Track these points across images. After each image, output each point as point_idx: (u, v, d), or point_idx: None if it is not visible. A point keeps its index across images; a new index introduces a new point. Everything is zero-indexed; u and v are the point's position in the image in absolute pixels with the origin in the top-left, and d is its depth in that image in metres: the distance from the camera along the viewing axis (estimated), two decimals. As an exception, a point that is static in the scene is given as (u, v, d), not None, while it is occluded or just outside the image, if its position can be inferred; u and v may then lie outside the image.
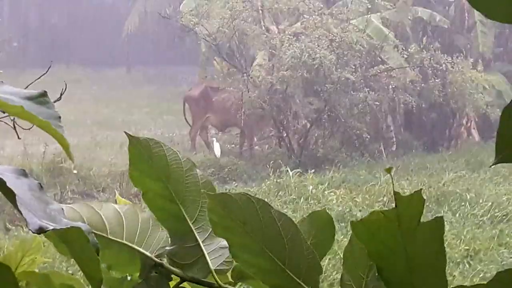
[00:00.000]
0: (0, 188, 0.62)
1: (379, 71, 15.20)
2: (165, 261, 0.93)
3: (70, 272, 7.39)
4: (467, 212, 10.40)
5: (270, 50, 15.22)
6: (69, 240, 0.68)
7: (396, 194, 0.79)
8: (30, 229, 0.63)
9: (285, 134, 15.22)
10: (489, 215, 10.37)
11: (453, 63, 15.39)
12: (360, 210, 10.40)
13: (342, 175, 12.93)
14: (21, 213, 0.62)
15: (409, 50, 15.54)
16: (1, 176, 0.61)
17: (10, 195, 0.62)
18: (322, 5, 15.87)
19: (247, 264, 0.85)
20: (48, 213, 0.64)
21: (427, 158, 15.15)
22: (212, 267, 0.91)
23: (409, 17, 16.98)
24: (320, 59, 14.09)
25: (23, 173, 0.69)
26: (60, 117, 0.64)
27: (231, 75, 15.96)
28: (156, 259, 0.93)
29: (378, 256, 0.80)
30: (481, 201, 10.93)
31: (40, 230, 0.62)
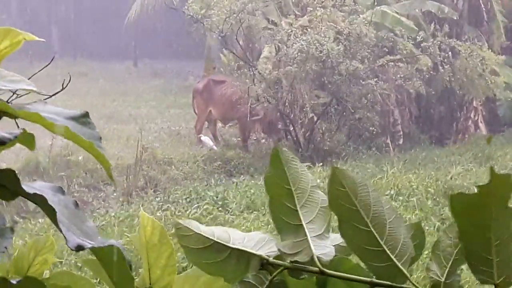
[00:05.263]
0: (41, 205, 0.63)
1: (386, 61, 15.16)
2: (271, 258, 1.05)
3: (79, 265, 7.43)
4: (475, 206, 10.37)
5: (277, 44, 15.19)
6: (105, 257, 0.69)
7: (491, 169, 0.84)
8: (69, 246, 0.64)
9: (291, 128, 15.21)
10: (496, 209, 10.34)
11: (462, 46, 15.35)
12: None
13: (349, 169, 12.92)
14: (61, 231, 0.63)
15: (417, 38, 15.51)
16: (43, 194, 0.61)
17: (51, 213, 0.63)
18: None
19: (351, 240, 0.98)
20: (84, 230, 0.65)
21: (434, 152, 15.12)
22: (315, 252, 1.02)
23: (416, 10, 16.98)
24: (328, 51, 14.07)
25: (60, 190, 0.70)
26: (100, 138, 0.65)
27: (237, 68, 15.94)
28: (264, 255, 1.05)
29: (466, 232, 0.89)
30: (488, 195, 10.90)
31: (79, 248, 0.63)
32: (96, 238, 0.67)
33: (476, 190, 0.87)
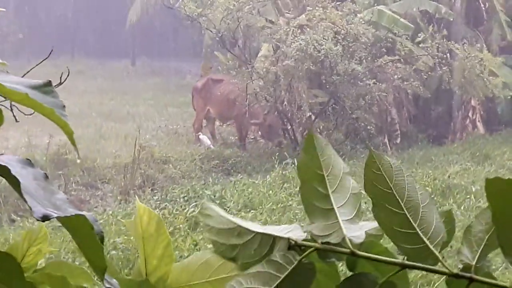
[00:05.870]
0: (5, 176, 0.62)
1: (384, 62, 15.16)
2: (299, 240, 1.06)
3: (76, 263, 7.41)
4: (472, 205, 10.37)
5: (275, 42, 15.18)
6: (74, 228, 0.68)
7: None
8: (35, 217, 0.63)
9: (289, 126, 15.21)
10: (494, 208, 10.32)
11: (460, 50, 15.38)
12: (365, 203, 10.37)
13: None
14: (26, 201, 0.62)
15: (415, 38, 15.53)
16: (6, 165, 0.60)
17: (15, 183, 0.62)
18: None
19: (384, 222, 1.00)
20: (53, 202, 0.64)
21: (432, 151, 15.12)
22: (346, 234, 1.03)
23: (414, 8, 16.97)
24: (326, 51, 14.06)
25: (29, 163, 0.69)
26: (64, 106, 0.64)
27: (236, 67, 15.93)
28: (292, 236, 1.05)
29: (500, 216, 0.90)
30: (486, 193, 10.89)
31: (45, 218, 0.62)
32: (66, 209, 0.66)
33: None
